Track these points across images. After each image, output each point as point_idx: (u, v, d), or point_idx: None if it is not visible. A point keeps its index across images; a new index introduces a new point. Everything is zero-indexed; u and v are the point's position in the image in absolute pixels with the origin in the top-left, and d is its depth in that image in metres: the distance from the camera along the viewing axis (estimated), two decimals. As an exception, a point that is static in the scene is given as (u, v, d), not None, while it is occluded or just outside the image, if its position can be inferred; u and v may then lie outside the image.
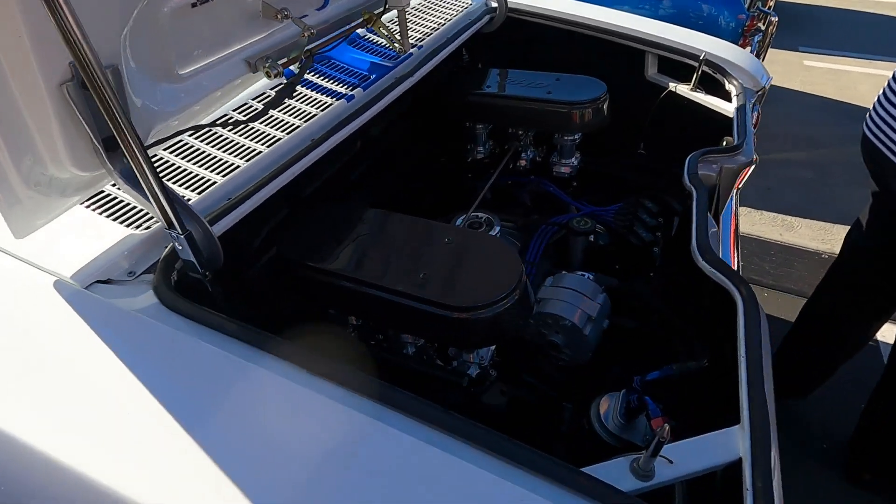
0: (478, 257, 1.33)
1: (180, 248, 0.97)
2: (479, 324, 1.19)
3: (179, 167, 1.30)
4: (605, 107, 2.12)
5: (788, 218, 3.93)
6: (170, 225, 0.95)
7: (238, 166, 1.33)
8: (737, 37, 4.22)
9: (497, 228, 2.01)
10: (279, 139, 1.43)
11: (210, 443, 0.80)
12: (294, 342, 0.94)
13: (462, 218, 2.05)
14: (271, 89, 1.57)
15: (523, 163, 2.40)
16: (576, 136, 2.23)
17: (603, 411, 1.45)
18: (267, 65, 1.29)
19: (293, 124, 1.49)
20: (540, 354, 1.69)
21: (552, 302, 1.59)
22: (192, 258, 0.98)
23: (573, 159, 2.31)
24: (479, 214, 2.09)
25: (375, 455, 0.78)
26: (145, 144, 1.05)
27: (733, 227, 2.26)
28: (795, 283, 3.35)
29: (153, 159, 1.28)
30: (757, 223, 3.90)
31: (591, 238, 2.02)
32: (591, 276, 1.76)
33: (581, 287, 1.63)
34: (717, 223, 1.83)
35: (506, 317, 1.22)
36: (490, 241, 1.38)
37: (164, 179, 0.98)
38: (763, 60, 4.43)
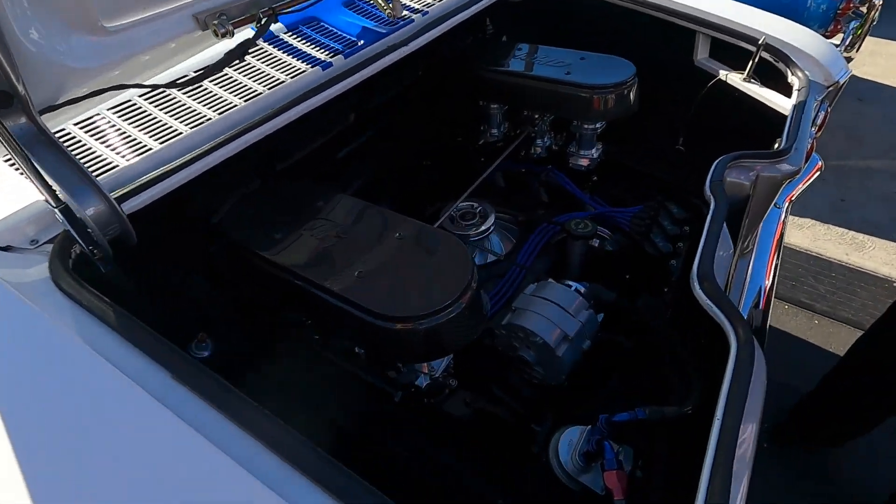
0: (427, 257, 1.16)
1: (60, 221, 0.87)
2: (411, 337, 1.03)
3: (109, 132, 1.21)
4: (631, 93, 1.84)
5: (860, 236, 3.43)
6: (50, 195, 0.85)
7: (180, 132, 1.22)
8: (827, 21, 3.65)
9: (490, 221, 1.82)
10: (234, 106, 1.31)
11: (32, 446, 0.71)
12: (179, 350, 0.82)
13: (454, 206, 1.87)
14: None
15: (538, 150, 2.17)
16: (597, 125, 1.97)
17: (565, 447, 1.27)
18: (216, 22, 1.15)
19: (256, 91, 1.36)
20: (511, 368, 1.52)
21: (527, 314, 1.40)
22: (75, 235, 0.88)
23: (593, 151, 2.05)
24: (474, 204, 1.90)
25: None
26: (54, 104, 0.95)
27: (775, 244, 1.95)
28: (854, 312, 2.92)
29: (83, 121, 1.20)
30: (821, 238, 3.43)
31: (596, 243, 1.78)
32: (584, 288, 1.55)
33: (563, 300, 1.42)
34: (736, 242, 1.55)
35: (446, 330, 1.06)
36: (446, 239, 1.20)
37: (62, 145, 0.88)
38: (857, 50, 3.83)
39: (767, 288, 1.83)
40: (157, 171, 1.14)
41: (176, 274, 1.34)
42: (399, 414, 1.36)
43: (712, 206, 1.34)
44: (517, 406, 1.49)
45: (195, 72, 1.24)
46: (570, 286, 1.49)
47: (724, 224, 1.31)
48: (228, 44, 1.22)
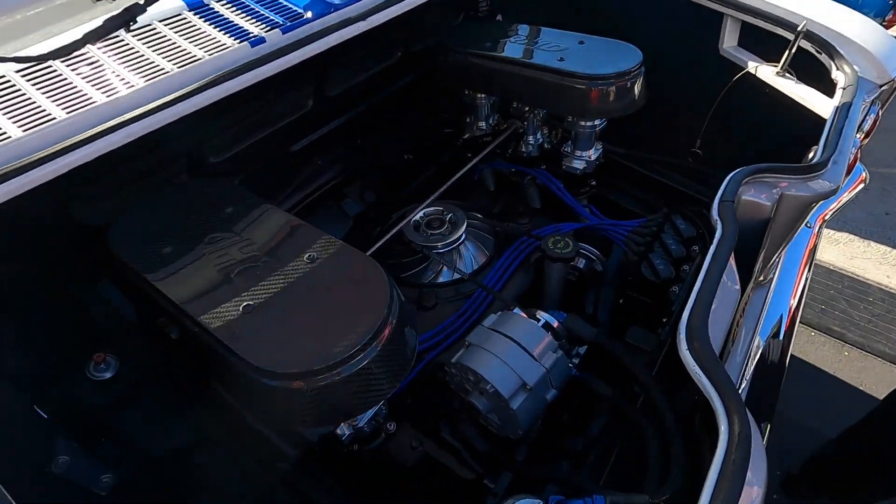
0: (338, 288, 0.92)
1: None
2: (297, 399, 0.80)
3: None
4: (635, 85, 1.54)
5: (905, 256, 3.04)
6: None
7: (54, 118, 0.99)
8: (885, 9, 3.21)
9: (460, 231, 1.56)
10: (134, 87, 1.08)
11: None
12: None
13: (418, 211, 1.61)
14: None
15: (530, 148, 1.89)
16: (595, 123, 1.67)
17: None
18: (92, -21, 0.92)
19: (163, 69, 1.13)
20: (465, 411, 1.28)
21: (479, 354, 1.15)
22: None
23: (590, 152, 1.76)
24: (444, 209, 1.64)
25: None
26: None
27: (803, 265, 1.64)
28: (893, 345, 2.57)
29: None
30: (858, 256, 3.05)
31: (582, 264, 1.51)
32: (557, 321, 1.28)
33: (526, 338, 1.17)
34: (749, 275, 1.26)
35: (346, 389, 0.82)
36: (366, 265, 0.96)
37: None
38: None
39: (791, 311, 1.54)
40: (16, 162, 0.92)
41: (63, 286, 1.14)
42: (319, 463, 1.13)
43: (717, 234, 1.06)
44: (469, 456, 1.25)
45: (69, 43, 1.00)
46: (538, 319, 1.23)
47: (732, 256, 1.02)
48: (113, 7, 0.99)
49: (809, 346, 2.55)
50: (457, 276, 1.52)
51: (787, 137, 1.76)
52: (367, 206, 1.95)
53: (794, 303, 1.56)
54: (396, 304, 0.89)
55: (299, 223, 1.06)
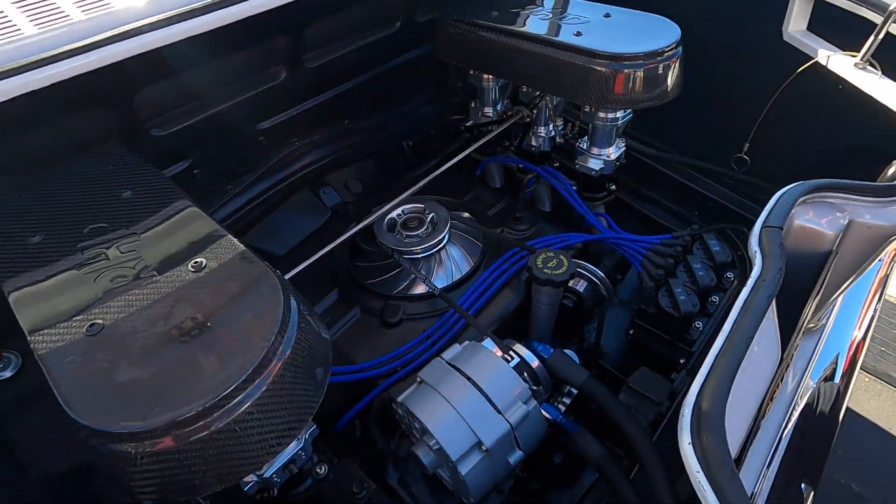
0: (218, 305, 0.69)
1: None
2: (127, 464, 0.58)
3: None
4: (670, 69, 1.24)
5: None
6: None
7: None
8: None
9: (441, 234, 1.31)
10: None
11: None
12: None
13: (392, 208, 1.37)
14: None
15: (540, 141, 1.61)
16: (617, 115, 1.38)
17: None
18: None
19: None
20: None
21: (429, 397, 0.91)
22: None
23: (609, 150, 1.47)
24: (425, 207, 1.39)
25: None
26: None
27: (872, 297, 1.31)
28: (966, 402, 2.16)
29: None
30: (932, 292, 2.62)
31: (582, 287, 1.24)
32: (537, 360, 1.02)
33: (490, 383, 0.91)
34: (796, 326, 0.96)
35: (202, 452, 0.59)
36: (260, 277, 0.73)
37: None
38: None
39: (852, 349, 1.22)
40: None
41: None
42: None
43: (755, 272, 0.78)
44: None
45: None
46: (512, 357, 0.97)
47: (773, 305, 0.74)
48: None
49: (863, 395, 2.18)
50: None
51: (863, 147, 1.43)
52: (353, 197, 1.73)
53: (857, 337, 1.23)
54: (291, 332, 0.66)
55: (203, 220, 0.84)
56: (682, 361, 1.30)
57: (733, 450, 0.62)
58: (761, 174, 1.64)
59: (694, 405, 0.62)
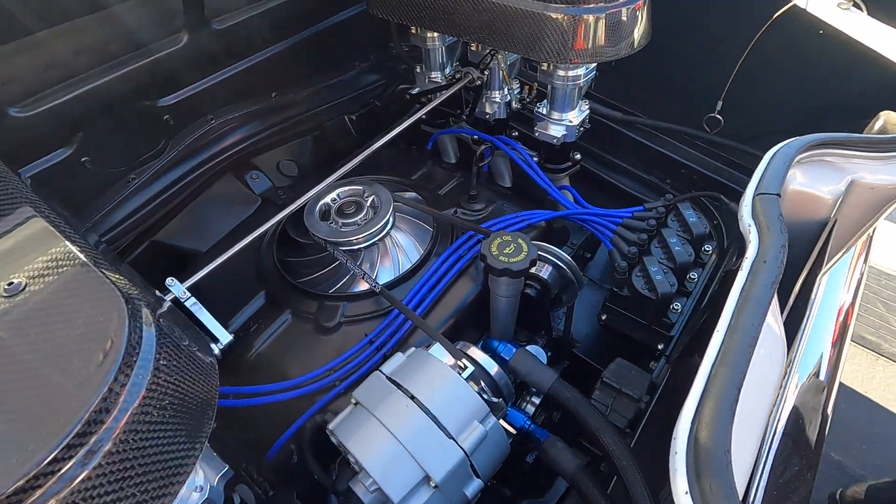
0: (44, 338, 0.50)
1: None
2: None
3: None
4: (638, 15, 1.07)
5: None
6: None
7: None
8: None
9: (384, 219, 1.13)
10: None
11: None
12: None
13: (325, 189, 1.18)
14: None
15: (496, 108, 1.43)
16: (579, 73, 1.21)
17: None
18: None
19: None
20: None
21: (363, 426, 0.74)
22: None
23: (572, 114, 1.30)
24: (363, 188, 1.20)
25: None
26: None
27: (853, 271, 1.20)
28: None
29: None
30: (899, 249, 2.59)
31: (547, 273, 1.08)
32: (500, 363, 0.87)
33: (439, 402, 0.75)
34: (807, 308, 0.83)
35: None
36: (103, 301, 0.53)
37: None
38: None
39: (838, 332, 1.10)
40: None
41: None
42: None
43: (751, 253, 0.63)
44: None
45: None
46: (463, 366, 0.81)
47: (775, 296, 0.59)
48: None
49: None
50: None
51: (844, 100, 1.30)
52: (287, 182, 1.52)
53: (844, 307, 1.11)
54: (141, 375, 0.48)
55: (38, 229, 0.63)
56: (660, 347, 1.17)
57: (739, 488, 0.48)
58: (736, 135, 1.50)
59: (689, 437, 0.47)
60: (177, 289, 0.85)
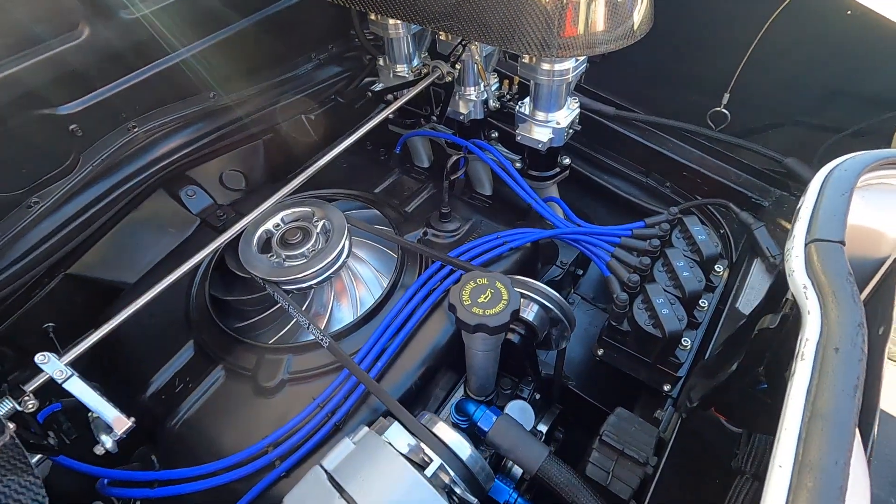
0: None
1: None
2: None
3: None
4: (639, 3, 0.88)
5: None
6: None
7: None
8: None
9: (337, 249, 0.93)
10: None
11: None
12: None
13: (258, 213, 0.98)
14: None
15: (470, 108, 1.23)
16: (567, 66, 1.01)
17: None
18: None
19: None
20: None
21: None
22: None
23: (559, 114, 1.11)
24: (309, 209, 1.00)
25: None
26: None
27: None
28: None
29: None
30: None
31: (532, 314, 0.89)
32: (474, 445, 0.69)
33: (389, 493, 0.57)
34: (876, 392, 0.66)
35: None
36: None
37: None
38: None
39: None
40: None
41: None
42: None
43: (812, 333, 0.45)
44: None
45: None
46: (427, 459, 0.63)
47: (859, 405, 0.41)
48: None
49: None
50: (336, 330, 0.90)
51: (879, 89, 1.12)
52: (234, 197, 1.31)
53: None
54: None
55: None
56: (666, 388, 1.01)
57: None
58: (744, 132, 1.33)
59: None
60: (51, 367, 0.65)
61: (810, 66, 1.20)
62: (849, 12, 1.04)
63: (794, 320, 0.58)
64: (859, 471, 0.42)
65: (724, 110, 1.32)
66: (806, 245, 0.52)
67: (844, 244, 0.50)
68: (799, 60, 1.20)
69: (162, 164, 1.20)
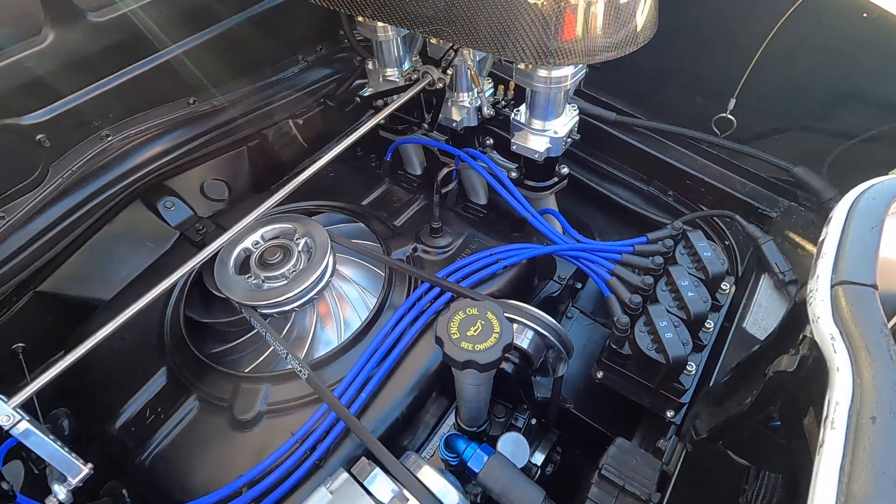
0: None
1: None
2: None
3: None
4: (642, 5, 0.81)
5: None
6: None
7: None
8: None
9: (320, 269, 0.87)
10: None
11: None
12: None
13: (236, 229, 0.92)
14: None
15: (463, 115, 1.16)
16: (565, 74, 0.95)
17: None
18: None
19: None
20: None
21: None
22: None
23: (557, 122, 1.05)
24: (290, 225, 0.94)
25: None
26: None
27: None
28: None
29: None
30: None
31: (527, 341, 0.84)
32: (463, 487, 0.63)
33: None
34: None
35: None
36: None
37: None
38: None
39: None
40: None
41: None
42: None
43: (842, 396, 0.39)
44: None
45: None
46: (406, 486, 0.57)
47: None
48: None
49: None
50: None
51: (879, 100, 1.07)
52: (216, 207, 1.25)
53: None
54: None
55: None
56: (669, 415, 0.95)
57: None
58: (750, 139, 1.27)
59: None
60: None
61: (821, 69, 1.14)
62: (865, 15, 0.98)
63: (813, 362, 0.53)
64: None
65: (729, 116, 1.26)
66: (832, 287, 0.46)
67: (877, 288, 0.45)
68: (809, 63, 1.14)
69: (139, 175, 1.14)
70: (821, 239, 0.51)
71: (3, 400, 0.60)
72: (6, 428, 0.59)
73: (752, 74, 1.20)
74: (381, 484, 0.61)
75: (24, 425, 0.59)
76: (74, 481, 0.60)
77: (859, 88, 1.14)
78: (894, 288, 0.56)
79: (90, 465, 0.62)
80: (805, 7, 1.05)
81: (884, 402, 0.38)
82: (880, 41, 0.99)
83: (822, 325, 0.44)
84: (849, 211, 0.52)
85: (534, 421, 0.97)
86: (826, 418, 0.40)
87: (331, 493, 0.60)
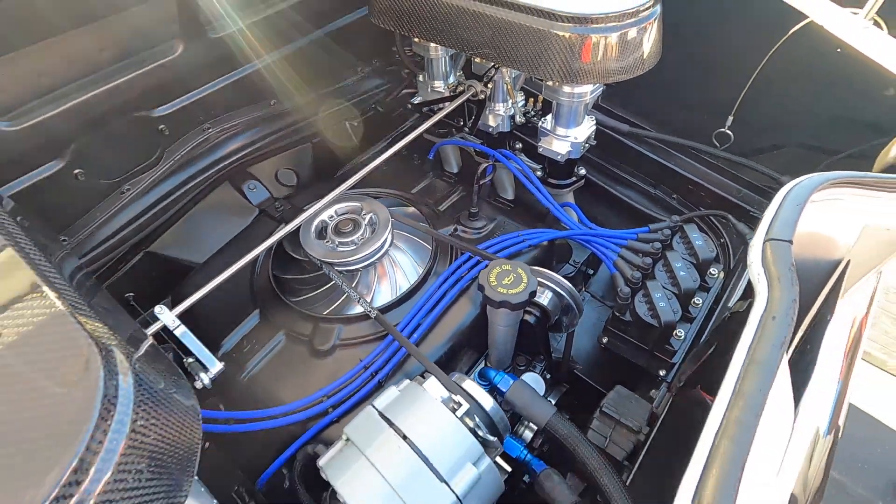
0: (12, 395, 0.48)
1: None
2: None
3: None
4: (648, 33, 1.03)
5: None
6: None
7: None
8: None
9: (382, 237, 1.10)
10: None
11: None
12: None
13: (324, 207, 1.15)
14: None
15: (499, 121, 1.39)
16: (585, 90, 1.17)
17: None
18: None
19: None
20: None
21: (353, 465, 0.72)
22: None
23: (577, 130, 1.27)
24: (361, 205, 1.17)
25: None
26: None
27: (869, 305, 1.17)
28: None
29: None
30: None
31: (548, 299, 1.05)
32: (496, 396, 0.84)
33: (430, 441, 0.73)
34: (816, 351, 0.80)
35: None
36: (77, 355, 0.51)
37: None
38: None
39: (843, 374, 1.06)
40: None
41: None
42: None
43: (759, 305, 0.60)
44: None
45: None
46: (458, 403, 0.79)
47: (785, 359, 0.56)
48: None
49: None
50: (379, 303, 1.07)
51: (865, 118, 1.26)
52: (287, 192, 1.49)
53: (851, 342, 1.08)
54: (116, 438, 0.45)
55: (14, 267, 0.61)
56: (661, 374, 1.15)
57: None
58: (746, 151, 1.46)
59: None
60: (166, 317, 0.82)
61: (808, 94, 1.33)
62: (839, 50, 1.18)
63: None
64: (785, 404, 0.57)
65: (727, 131, 1.46)
66: (764, 242, 0.66)
67: (792, 243, 0.65)
68: (798, 89, 1.34)
69: (229, 161, 1.39)
70: (765, 213, 0.72)
71: (167, 309, 0.83)
72: (171, 328, 0.82)
73: (748, 95, 1.40)
74: (435, 387, 0.83)
75: (183, 328, 0.83)
76: (215, 371, 0.83)
77: (843, 111, 1.33)
78: (823, 254, 0.76)
79: (223, 363, 0.85)
80: (790, 41, 1.25)
81: (783, 308, 0.58)
82: (853, 71, 1.18)
83: (754, 267, 0.65)
84: (785, 194, 0.72)
85: (548, 375, 1.18)
86: (745, 316, 0.60)
87: (399, 391, 0.82)
